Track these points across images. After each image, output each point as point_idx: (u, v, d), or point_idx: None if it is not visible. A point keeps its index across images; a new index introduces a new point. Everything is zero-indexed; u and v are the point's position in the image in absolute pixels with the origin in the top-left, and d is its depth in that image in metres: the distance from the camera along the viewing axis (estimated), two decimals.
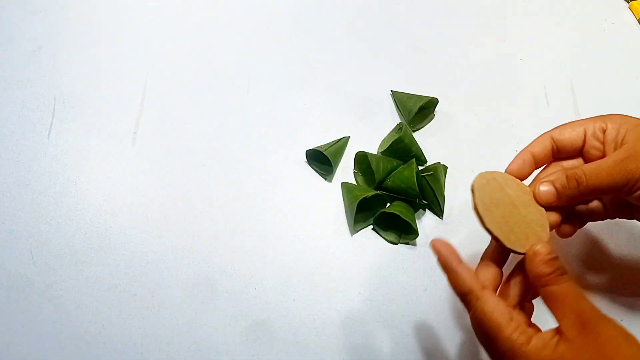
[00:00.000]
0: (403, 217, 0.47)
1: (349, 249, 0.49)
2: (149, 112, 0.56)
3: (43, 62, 0.59)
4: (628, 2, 0.67)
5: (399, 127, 0.54)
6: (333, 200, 0.51)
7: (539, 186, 0.38)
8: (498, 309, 0.33)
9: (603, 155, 0.38)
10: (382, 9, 0.65)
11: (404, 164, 0.51)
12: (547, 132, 0.40)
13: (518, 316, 0.34)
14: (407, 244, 0.49)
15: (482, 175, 0.37)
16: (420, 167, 0.52)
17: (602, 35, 0.65)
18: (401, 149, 0.52)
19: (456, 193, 0.52)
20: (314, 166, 0.53)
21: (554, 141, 0.40)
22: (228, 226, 0.50)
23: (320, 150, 0.51)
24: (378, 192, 0.50)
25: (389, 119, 0.56)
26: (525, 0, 0.67)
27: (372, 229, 0.50)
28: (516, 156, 0.40)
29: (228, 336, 0.45)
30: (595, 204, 0.41)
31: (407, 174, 0.49)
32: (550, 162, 0.41)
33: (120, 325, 0.45)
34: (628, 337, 0.32)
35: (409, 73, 0.60)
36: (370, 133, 0.55)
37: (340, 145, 0.53)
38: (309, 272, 0.48)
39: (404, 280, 0.48)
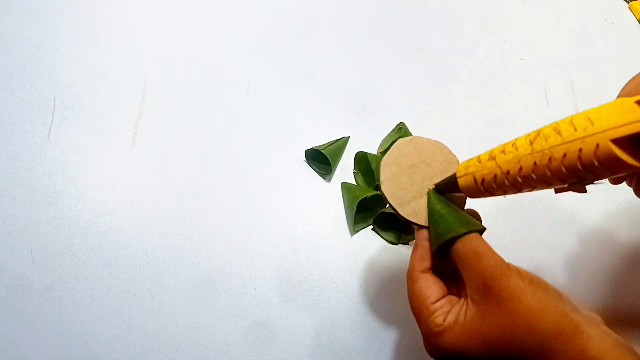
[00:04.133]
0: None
1: (349, 249, 0.49)
2: (149, 112, 0.56)
3: (43, 62, 0.59)
4: (628, 2, 0.67)
5: (398, 128, 0.54)
6: (333, 200, 0.51)
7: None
8: (423, 294, 0.33)
9: None
10: (382, 9, 0.65)
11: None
12: None
13: (445, 297, 0.33)
14: (407, 244, 0.49)
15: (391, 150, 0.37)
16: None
17: (602, 35, 0.65)
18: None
19: None
20: (313, 166, 0.53)
21: None
22: (228, 226, 0.50)
23: (319, 149, 0.51)
24: (378, 192, 0.50)
25: (389, 119, 0.56)
26: (525, 0, 0.67)
27: (372, 229, 0.50)
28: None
29: (228, 336, 0.45)
30: None
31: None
32: None
33: (120, 325, 0.45)
34: (533, 283, 0.30)
35: (409, 73, 0.60)
36: (370, 133, 0.55)
37: (339, 145, 0.53)
38: (309, 272, 0.48)
39: (404, 281, 0.47)
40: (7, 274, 0.47)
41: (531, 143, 0.30)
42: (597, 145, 0.27)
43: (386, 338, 0.45)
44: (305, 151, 0.53)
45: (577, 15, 0.66)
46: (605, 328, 0.30)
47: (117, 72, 0.58)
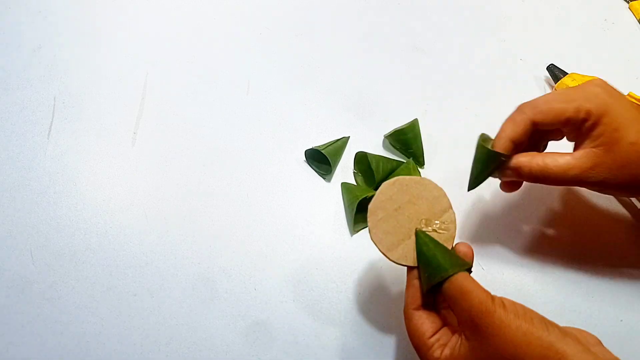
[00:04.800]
0: None
1: (349, 249, 0.49)
2: (149, 112, 0.56)
3: (43, 62, 0.59)
4: (628, 2, 0.67)
5: (412, 124, 0.54)
6: (333, 200, 0.51)
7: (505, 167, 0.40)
8: (419, 330, 0.35)
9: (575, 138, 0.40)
10: (382, 9, 0.65)
11: (403, 163, 0.51)
12: (527, 115, 0.39)
13: (441, 329, 0.35)
14: None
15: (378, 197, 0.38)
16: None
17: (602, 35, 0.65)
18: (402, 140, 0.53)
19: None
20: (313, 166, 0.53)
21: (534, 124, 0.39)
22: (228, 226, 0.50)
23: (319, 149, 0.51)
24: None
25: (389, 119, 0.56)
26: (525, 0, 0.67)
27: None
28: (497, 142, 0.40)
29: (228, 336, 0.45)
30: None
31: (404, 174, 0.49)
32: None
33: (120, 325, 0.45)
34: (518, 316, 0.31)
35: (409, 73, 0.60)
36: (370, 133, 0.55)
37: (339, 145, 0.53)
38: (309, 272, 0.48)
39: (404, 281, 0.48)
40: (7, 274, 0.47)
41: None
42: None
43: (386, 338, 0.45)
44: (305, 151, 0.53)
45: (577, 15, 0.66)
46: (599, 350, 0.31)
47: (117, 72, 0.58)
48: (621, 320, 0.46)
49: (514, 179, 0.40)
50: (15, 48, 0.59)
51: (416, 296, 0.36)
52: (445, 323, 0.36)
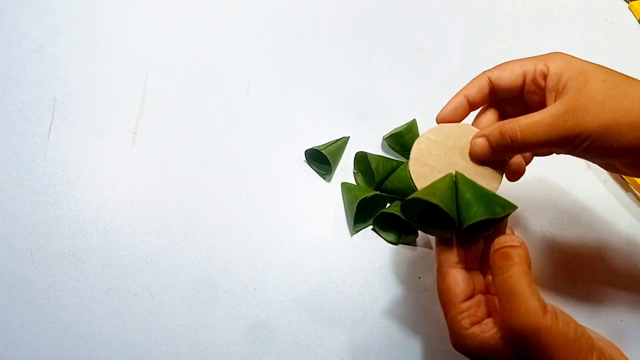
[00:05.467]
0: (403, 218, 0.47)
1: (349, 249, 0.49)
2: (149, 112, 0.56)
3: (43, 62, 0.59)
4: (628, 2, 0.67)
5: (410, 125, 0.54)
6: (333, 200, 0.51)
7: (472, 139, 0.36)
8: (452, 291, 0.33)
9: (543, 103, 0.36)
10: (382, 9, 0.65)
11: (403, 163, 0.51)
12: (484, 71, 0.38)
13: (476, 295, 0.34)
14: (407, 244, 0.49)
15: (419, 142, 0.37)
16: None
17: (602, 35, 0.65)
18: (400, 142, 0.53)
19: None
20: (313, 166, 0.53)
21: (491, 82, 0.38)
22: (228, 226, 0.50)
23: (319, 149, 0.51)
24: (378, 192, 0.50)
25: (389, 119, 0.56)
26: (525, 0, 0.67)
27: (372, 229, 0.50)
28: (450, 100, 0.38)
29: (228, 336, 0.45)
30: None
31: (404, 174, 0.49)
32: (489, 103, 0.39)
33: (120, 326, 0.45)
34: (568, 342, 0.29)
35: (409, 73, 0.60)
36: (370, 133, 0.55)
37: (339, 145, 0.53)
38: (309, 272, 0.48)
39: (404, 281, 0.48)
40: (7, 274, 0.47)
41: None
42: None
43: (386, 338, 0.45)
44: (305, 151, 0.53)
45: (577, 15, 0.66)
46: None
47: (117, 72, 0.58)
48: (621, 320, 0.46)
49: (486, 152, 0.36)
50: (15, 48, 0.59)
51: (452, 251, 0.34)
52: (479, 290, 0.34)
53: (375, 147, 0.55)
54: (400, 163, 0.52)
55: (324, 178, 0.53)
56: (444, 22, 0.65)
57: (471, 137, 0.37)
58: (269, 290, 0.47)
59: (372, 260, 0.48)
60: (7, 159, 0.52)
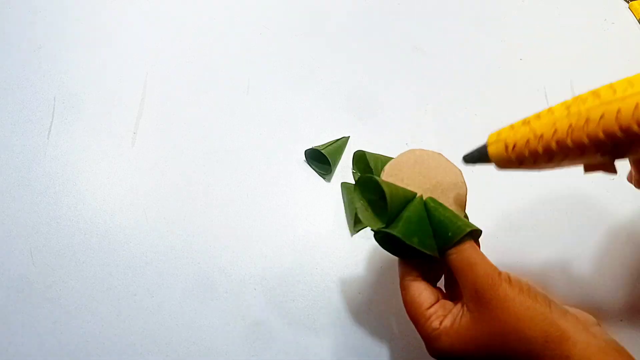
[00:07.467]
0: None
1: (349, 249, 0.49)
2: (149, 112, 0.56)
3: (43, 62, 0.59)
4: (628, 2, 0.67)
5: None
6: (333, 200, 0.51)
7: None
8: (417, 301, 0.34)
9: None
10: (382, 9, 0.65)
11: None
12: None
13: (439, 301, 0.34)
14: None
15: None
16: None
17: (602, 35, 0.64)
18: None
19: None
20: (313, 166, 0.53)
21: None
22: (228, 226, 0.50)
23: (319, 149, 0.51)
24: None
25: (389, 119, 0.56)
26: (525, 0, 0.67)
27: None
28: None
29: (228, 336, 0.45)
30: None
31: None
32: None
33: (120, 325, 0.45)
34: (522, 291, 0.31)
35: (409, 73, 0.60)
36: (370, 133, 0.55)
37: (339, 144, 0.53)
38: (309, 272, 0.48)
39: None
40: (7, 274, 0.47)
41: (568, 107, 0.30)
42: (637, 105, 0.26)
43: (386, 338, 0.45)
44: (305, 151, 0.53)
45: (577, 15, 0.66)
46: (597, 330, 0.32)
47: (117, 72, 0.58)
48: (621, 320, 0.46)
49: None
50: (15, 48, 0.59)
51: (412, 265, 0.36)
52: (443, 297, 0.36)
53: (375, 147, 0.54)
54: None
55: (324, 178, 0.53)
56: (444, 22, 0.65)
57: (441, 165, 0.38)
58: (269, 290, 0.47)
59: (372, 260, 0.48)
60: (7, 159, 0.53)
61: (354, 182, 0.52)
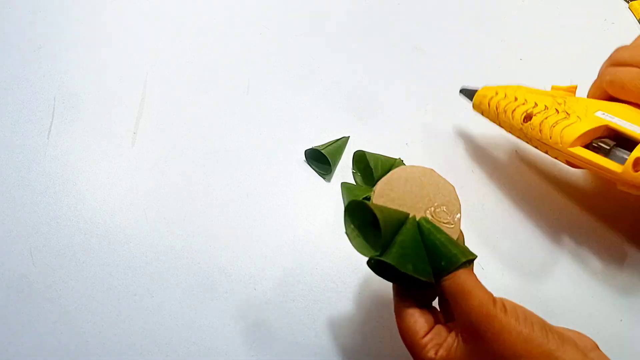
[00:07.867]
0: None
1: (349, 249, 0.49)
2: (149, 112, 0.56)
3: (43, 62, 0.59)
4: (628, 2, 0.67)
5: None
6: (333, 200, 0.51)
7: None
8: (412, 329, 0.34)
9: None
10: (382, 9, 0.65)
11: (402, 161, 0.51)
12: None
13: (434, 327, 0.34)
14: None
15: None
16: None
17: (602, 35, 0.65)
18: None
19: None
20: (313, 166, 0.53)
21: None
22: (228, 226, 0.50)
23: (319, 149, 0.51)
24: None
25: (389, 119, 0.56)
26: (525, 0, 0.67)
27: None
28: None
29: (228, 336, 0.45)
30: None
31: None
32: None
33: (120, 325, 0.45)
34: (518, 321, 0.30)
35: (409, 73, 0.60)
36: (370, 133, 0.55)
37: (339, 144, 0.53)
38: (309, 272, 0.48)
39: None
40: (7, 274, 0.47)
41: (523, 121, 0.43)
42: (565, 160, 0.39)
43: (386, 338, 0.45)
44: (305, 151, 0.53)
45: (577, 15, 0.66)
46: (595, 356, 0.31)
47: (117, 72, 0.58)
48: (621, 320, 0.46)
49: None
50: (15, 48, 0.59)
51: (406, 293, 0.36)
52: (437, 321, 0.35)
53: (375, 148, 0.54)
54: (400, 162, 0.52)
55: (324, 178, 0.53)
56: (444, 22, 0.65)
57: (435, 184, 0.37)
58: (269, 290, 0.47)
59: None
60: (7, 159, 0.53)
61: (354, 182, 0.53)
